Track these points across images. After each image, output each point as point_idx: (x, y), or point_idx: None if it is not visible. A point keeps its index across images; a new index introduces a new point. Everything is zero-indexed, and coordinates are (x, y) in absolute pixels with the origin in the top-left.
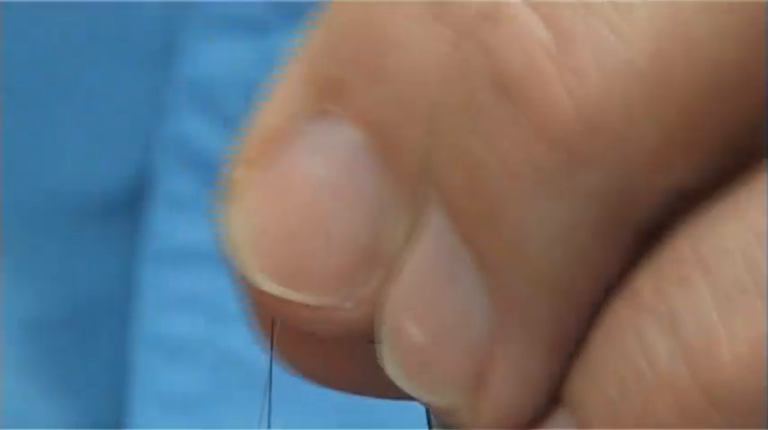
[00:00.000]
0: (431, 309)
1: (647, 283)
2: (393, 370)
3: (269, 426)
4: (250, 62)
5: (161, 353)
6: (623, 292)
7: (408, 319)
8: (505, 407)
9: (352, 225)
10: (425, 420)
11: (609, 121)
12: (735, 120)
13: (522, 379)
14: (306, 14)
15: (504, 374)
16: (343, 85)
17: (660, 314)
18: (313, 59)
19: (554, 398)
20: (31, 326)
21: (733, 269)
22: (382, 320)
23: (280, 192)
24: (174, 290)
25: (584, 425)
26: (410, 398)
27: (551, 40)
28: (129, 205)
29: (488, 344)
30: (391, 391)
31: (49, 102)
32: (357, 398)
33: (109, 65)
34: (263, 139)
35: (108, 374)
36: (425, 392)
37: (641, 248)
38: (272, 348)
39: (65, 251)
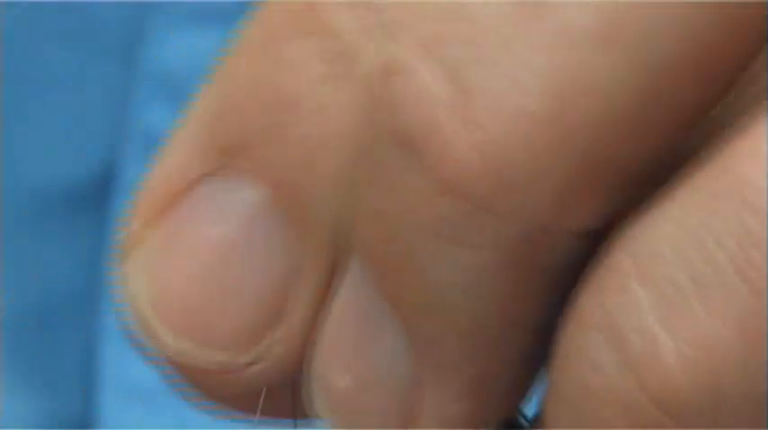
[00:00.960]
0: (354, 356)
1: (589, 299)
2: (323, 415)
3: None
4: (217, 53)
5: (129, 345)
6: (570, 311)
7: (334, 367)
8: None
9: (255, 283)
10: None
11: (511, 170)
12: (636, 157)
13: (445, 421)
14: None
15: (427, 418)
16: (243, 142)
17: (603, 327)
18: (210, 116)
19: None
20: (3, 317)
21: (668, 270)
22: (310, 369)
23: (177, 249)
24: None
25: None
26: None
27: (450, 93)
28: (95, 197)
29: (412, 388)
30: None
31: (14, 93)
32: None
33: (74, 55)
34: (159, 196)
35: (75, 366)
36: None
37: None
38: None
39: (30, 243)
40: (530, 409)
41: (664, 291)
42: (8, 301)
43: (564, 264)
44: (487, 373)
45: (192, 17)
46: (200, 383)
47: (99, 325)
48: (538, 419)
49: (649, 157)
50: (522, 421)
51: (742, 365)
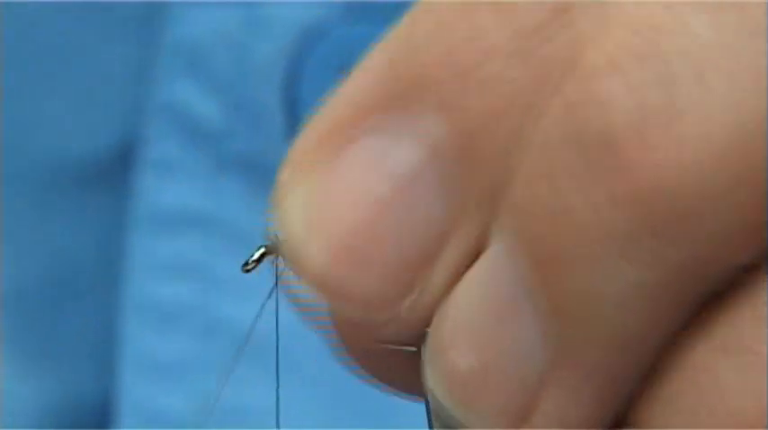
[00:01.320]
0: (484, 337)
1: (723, 323)
2: (436, 387)
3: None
4: (238, 25)
5: (148, 320)
6: (700, 329)
7: (459, 344)
8: None
9: (406, 239)
10: (426, 419)
11: (683, 197)
12: None
13: (563, 424)
14: None
15: (545, 417)
16: (428, 80)
17: (737, 353)
18: (397, 53)
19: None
20: (16, 294)
21: None
22: (430, 340)
23: (338, 192)
24: (161, 255)
25: None
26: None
27: (633, 110)
28: (113, 171)
29: (538, 384)
30: None
31: (34, 67)
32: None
33: (91, 29)
34: (329, 135)
35: (95, 341)
36: (467, 415)
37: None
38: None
39: (49, 218)
40: None
41: None
42: (28, 276)
43: (715, 291)
44: (615, 385)
45: None
46: (334, 327)
47: (119, 299)
48: None
49: None
50: None
51: None
